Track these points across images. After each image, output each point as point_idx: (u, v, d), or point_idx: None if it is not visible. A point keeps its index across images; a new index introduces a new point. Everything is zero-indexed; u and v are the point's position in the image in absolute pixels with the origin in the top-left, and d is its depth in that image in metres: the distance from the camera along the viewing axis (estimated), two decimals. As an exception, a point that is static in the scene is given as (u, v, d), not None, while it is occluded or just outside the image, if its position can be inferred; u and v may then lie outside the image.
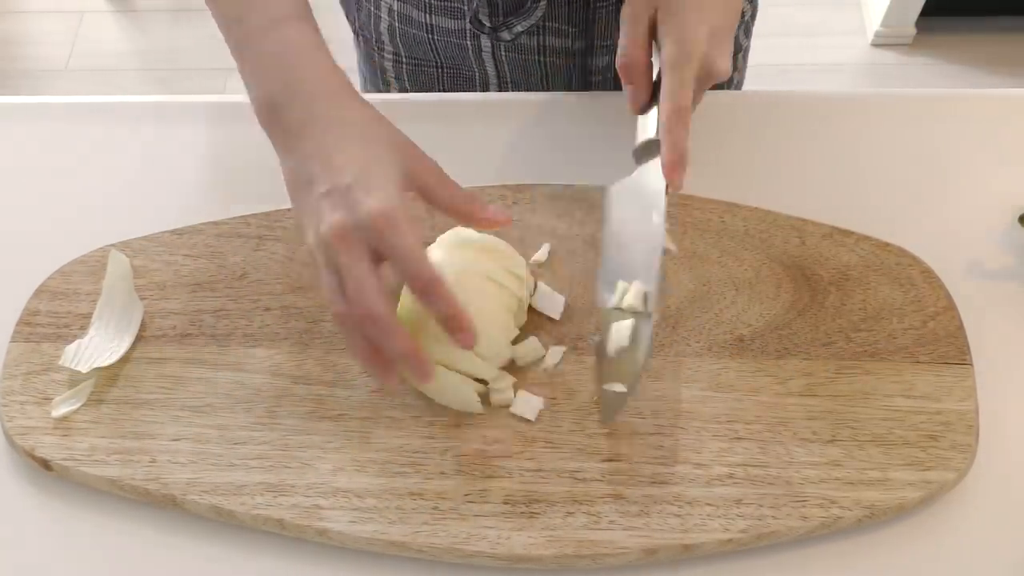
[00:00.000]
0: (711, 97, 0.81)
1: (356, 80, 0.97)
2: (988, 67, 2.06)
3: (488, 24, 0.80)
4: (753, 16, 0.90)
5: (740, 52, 0.91)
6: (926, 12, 2.04)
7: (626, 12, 0.65)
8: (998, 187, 0.73)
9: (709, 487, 0.59)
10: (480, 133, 0.77)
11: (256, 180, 0.75)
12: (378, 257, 0.55)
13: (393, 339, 0.54)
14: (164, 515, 0.61)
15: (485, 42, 0.82)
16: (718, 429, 0.61)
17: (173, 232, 0.71)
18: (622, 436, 0.61)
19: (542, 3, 0.78)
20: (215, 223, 0.72)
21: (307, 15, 0.61)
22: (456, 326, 0.55)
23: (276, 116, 0.58)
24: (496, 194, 0.72)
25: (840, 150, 0.76)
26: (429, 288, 0.54)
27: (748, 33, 0.91)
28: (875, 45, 2.11)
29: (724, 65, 0.63)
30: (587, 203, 0.71)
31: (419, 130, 0.77)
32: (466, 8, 0.79)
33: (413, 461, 0.61)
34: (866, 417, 0.61)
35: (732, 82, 0.93)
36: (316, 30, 0.61)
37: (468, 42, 0.82)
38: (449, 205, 0.59)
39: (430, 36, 0.85)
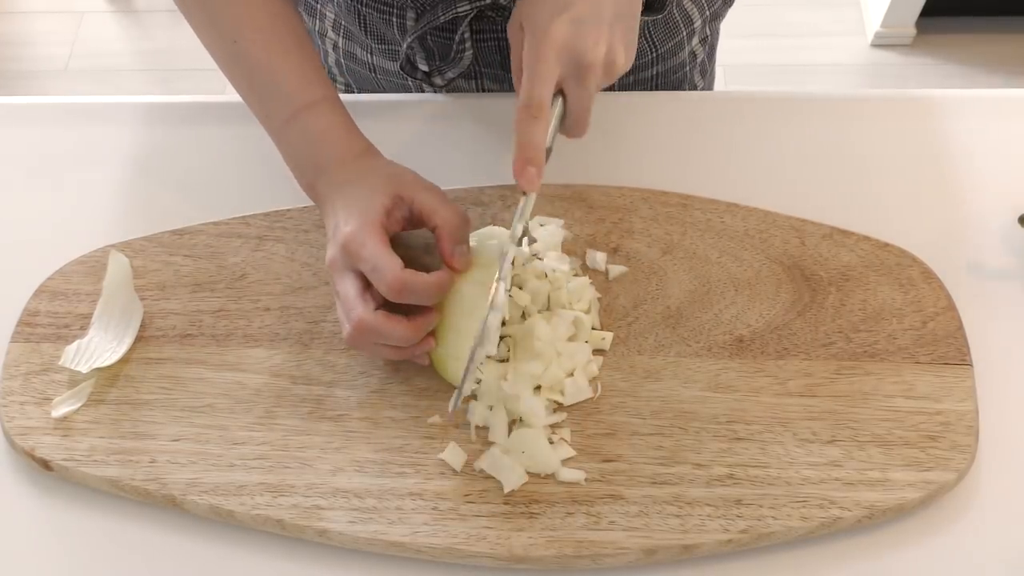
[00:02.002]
0: (711, 97, 0.81)
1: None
2: (988, 67, 2.06)
3: (424, 69, 0.80)
4: (728, 2, 0.87)
5: (705, 44, 0.89)
6: (926, 12, 2.04)
7: (509, 34, 0.62)
8: (998, 187, 0.73)
9: (709, 487, 0.59)
10: (480, 132, 0.77)
11: (256, 180, 0.75)
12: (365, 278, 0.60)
13: (391, 331, 0.59)
14: (164, 515, 0.61)
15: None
16: (718, 429, 0.61)
17: (173, 232, 0.71)
18: (622, 436, 0.61)
19: (468, 52, 0.77)
20: (215, 223, 0.72)
21: (321, 97, 0.66)
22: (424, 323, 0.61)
23: (314, 192, 0.66)
24: (496, 194, 0.72)
25: (840, 150, 0.76)
26: (397, 289, 0.58)
27: (715, 30, 0.90)
28: (875, 45, 2.11)
29: (595, 55, 0.58)
30: (586, 203, 0.71)
31: (420, 130, 0.78)
32: (401, 51, 0.79)
33: (413, 461, 0.61)
34: (866, 417, 0.61)
35: (695, 85, 0.92)
36: (332, 108, 0.66)
37: (410, 82, 0.82)
38: (435, 225, 0.62)
39: (373, 75, 0.86)
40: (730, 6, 0.88)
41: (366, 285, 0.60)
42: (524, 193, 0.60)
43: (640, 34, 0.80)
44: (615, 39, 0.60)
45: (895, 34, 2.09)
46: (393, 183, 0.63)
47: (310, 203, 0.71)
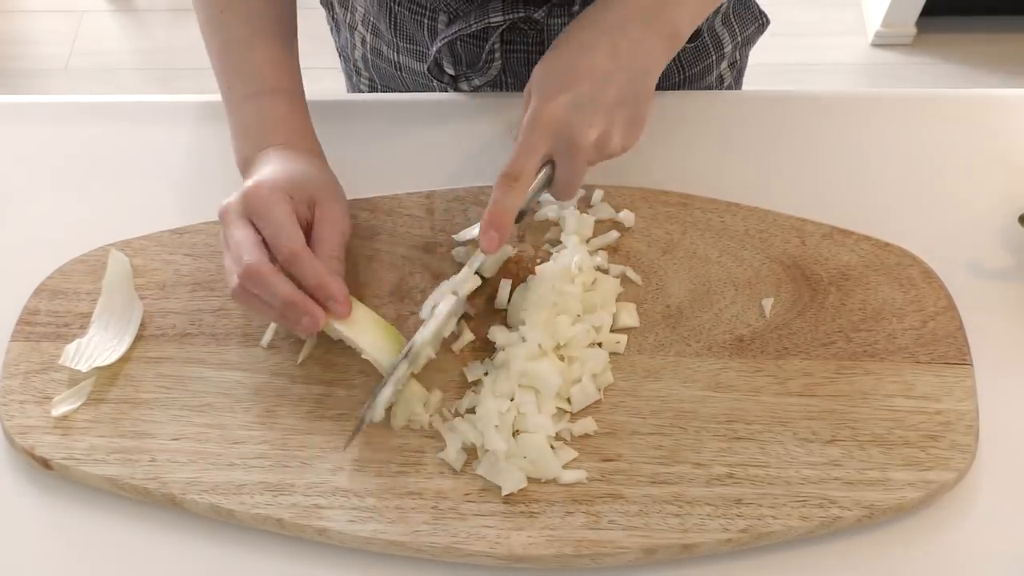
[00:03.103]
0: (711, 97, 0.81)
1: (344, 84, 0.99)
2: (988, 67, 2.06)
3: (451, 73, 0.80)
4: (761, 27, 0.88)
5: (732, 66, 0.89)
6: (926, 12, 2.04)
7: (525, 95, 0.64)
8: (998, 187, 0.73)
9: (709, 487, 0.59)
10: (486, 131, 0.77)
11: (256, 179, 0.75)
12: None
13: (276, 286, 0.58)
14: (164, 514, 0.61)
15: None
16: (718, 429, 0.61)
17: (173, 232, 0.71)
18: (622, 436, 0.61)
19: (497, 63, 0.78)
20: (215, 223, 0.71)
21: (284, 87, 0.67)
22: (323, 295, 0.59)
23: (248, 169, 0.66)
24: (496, 194, 0.72)
25: (840, 150, 0.76)
26: (291, 259, 0.59)
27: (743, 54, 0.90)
28: (875, 45, 2.11)
29: (585, 138, 0.60)
30: (586, 202, 0.71)
31: (418, 130, 0.78)
32: (428, 54, 0.79)
33: (413, 460, 0.61)
34: (866, 417, 0.61)
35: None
36: (296, 101, 0.67)
37: (435, 83, 0.82)
38: (318, 255, 0.61)
39: (399, 73, 0.86)
40: (763, 32, 0.88)
41: (262, 238, 0.59)
42: (481, 249, 0.61)
43: None
44: (613, 124, 0.62)
45: (895, 34, 2.09)
46: (317, 185, 0.63)
47: (310, 202, 0.71)
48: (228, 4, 0.68)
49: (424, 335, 0.61)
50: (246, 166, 0.66)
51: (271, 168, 0.63)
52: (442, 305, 0.62)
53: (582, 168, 0.62)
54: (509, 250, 0.68)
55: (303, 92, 0.69)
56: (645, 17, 0.62)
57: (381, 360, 0.61)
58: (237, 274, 0.59)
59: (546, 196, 0.70)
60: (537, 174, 0.61)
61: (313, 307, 0.59)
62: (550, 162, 0.62)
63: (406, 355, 0.61)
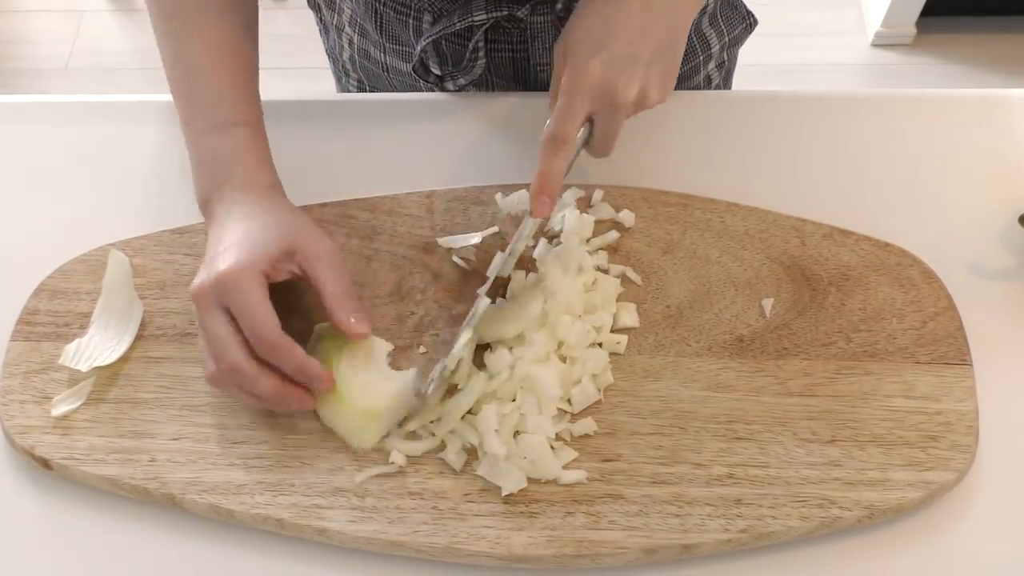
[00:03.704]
0: (711, 97, 0.81)
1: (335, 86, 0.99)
2: (988, 67, 2.06)
3: (437, 72, 0.80)
4: (749, 27, 0.88)
5: (717, 64, 0.89)
6: (926, 12, 2.04)
7: (555, 54, 0.64)
8: (998, 187, 0.73)
9: (709, 487, 0.59)
10: (480, 130, 0.77)
11: (256, 179, 0.74)
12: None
13: (259, 383, 0.57)
14: (164, 515, 0.60)
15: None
16: (718, 429, 0.61)
17: (173, 231, 0.71)
18: (622, 436, 0.61)
19: (481, 61, 0.78)
20: (215, 222, 0.72)
21: (246, 120, 0.66)
22: (305, 378, 0.58)
23: (209, 207, 0.64)
24: (495, 192, 0.72)
25: (840, 150, 0.76)
26: (269, 350, 0.57)
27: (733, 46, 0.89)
28: (875, 45, 2.11)
29: (626, 96, 0.60)
30: (584, 202, 0.71)
31: (418, 129, 0.78)
32: (414, 53, 0.79)
33: (413, 460, 0.61)
34: (866, 417, 0.61)
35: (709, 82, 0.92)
36: (253, 134, 0.66)
37: (421, 84, 0.82)
38: (324, 293, 0.60)
39: (386, 74, 0.86)
40: (751, 32, 0.88)
41: (238, 327, 0.58)
42: (532, 215, 0.62)
43: None
44: (650, 78, 0.62)
45: (895, 34, 2.09)
46: (288, 235, 0.61)
47: (309, 202, 0.71)
48: (190, 37, 0.66)
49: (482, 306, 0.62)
50: (205, 206, 0.64)
51: (239, 235, 0.60)
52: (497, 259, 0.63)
53: (621, 123, 0.62)
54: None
55: (262, 124, 0.67)
56: None
57: (352, 443, 0.61)
58: (220, 368, 0.58)
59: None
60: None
61: (300, 394, 0.59)
62: (588, 120, 0.62)
63: (469, 321, 0.62)
